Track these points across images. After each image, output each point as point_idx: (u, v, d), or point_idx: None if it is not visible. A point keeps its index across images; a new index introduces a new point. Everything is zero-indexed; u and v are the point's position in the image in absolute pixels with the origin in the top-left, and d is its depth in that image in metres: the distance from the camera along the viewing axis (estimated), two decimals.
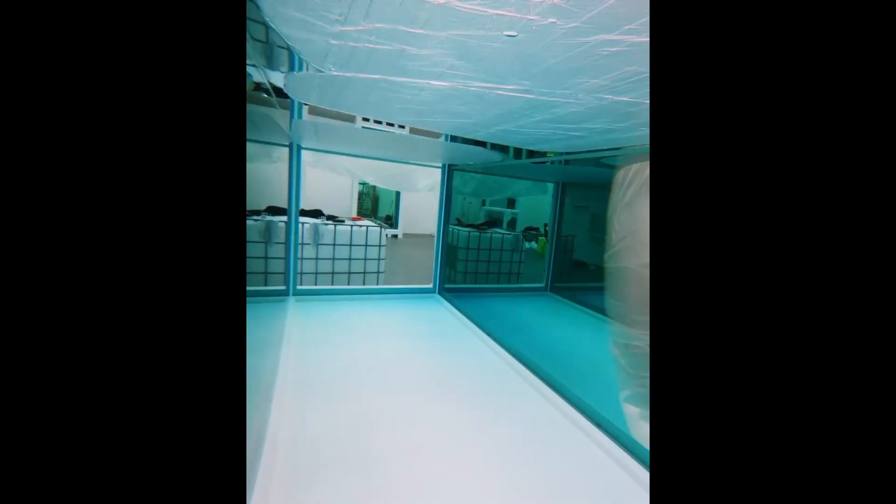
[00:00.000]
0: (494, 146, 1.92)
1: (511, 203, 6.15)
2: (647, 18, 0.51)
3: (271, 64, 1.36)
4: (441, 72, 0.76)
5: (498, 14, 0.54)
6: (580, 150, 1.49)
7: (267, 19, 0.60)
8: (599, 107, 0.88)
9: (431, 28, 0.59)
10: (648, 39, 0.56)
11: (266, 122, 1.36)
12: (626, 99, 0.81)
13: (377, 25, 0.60)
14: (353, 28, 0.61)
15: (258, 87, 1.37)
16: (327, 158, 3.33)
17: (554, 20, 0.54)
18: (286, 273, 2.19)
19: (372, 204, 9.03)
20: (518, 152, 2.15)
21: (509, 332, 1.97)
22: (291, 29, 0.63)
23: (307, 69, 0.84)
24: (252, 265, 2.71)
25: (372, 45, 0.67)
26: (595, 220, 3.16)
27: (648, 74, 0.68)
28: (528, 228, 4.74)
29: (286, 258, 2.19)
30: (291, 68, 1.03)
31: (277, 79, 1.45)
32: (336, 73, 0.83)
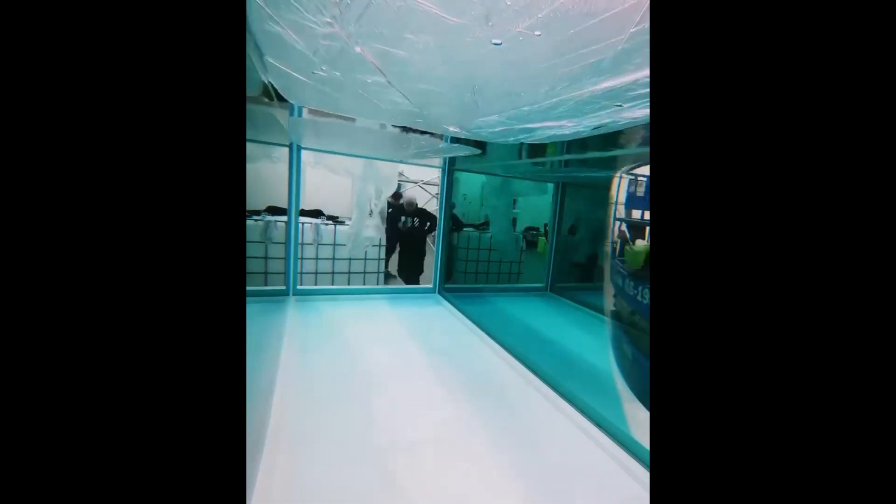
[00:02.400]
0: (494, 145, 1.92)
1: (511, 203, 6.14)
2: (633, 29, 0.51)
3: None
4: (423, 73, 0.77)
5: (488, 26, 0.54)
6: (577, 153, 1.49)
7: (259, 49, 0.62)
8: (585, 111, 0.89)
9: (420, 34, 0.60)
10: (632, 45, 0.56)
11: (266, 122, 1.36)
12: (611, 103, 0.82)
13: (354, 28, 0.61)
14: (342, 31, 0.62)
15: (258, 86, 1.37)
16: (327, 158, 3.32)
17: (539, 33, 0.55)
18: (286, 273, 2.18)
19: None
20: (519, 152, 2.15)
21: (510, 332, 1.97)
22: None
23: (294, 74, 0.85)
24: (252, 265, 2.71)
25: (360, 50, 0.67)
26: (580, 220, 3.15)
27: (634, 81, 0.69)
28: (529, 228, 4.74)
29: (286, 258, 2.19)
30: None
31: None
32: (324, 74, 0.83)
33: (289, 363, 1.41)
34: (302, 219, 2.71)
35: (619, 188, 1.36)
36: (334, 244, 2.99)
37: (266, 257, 2.75)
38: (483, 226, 3.68)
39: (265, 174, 3.07)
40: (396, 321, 1.99)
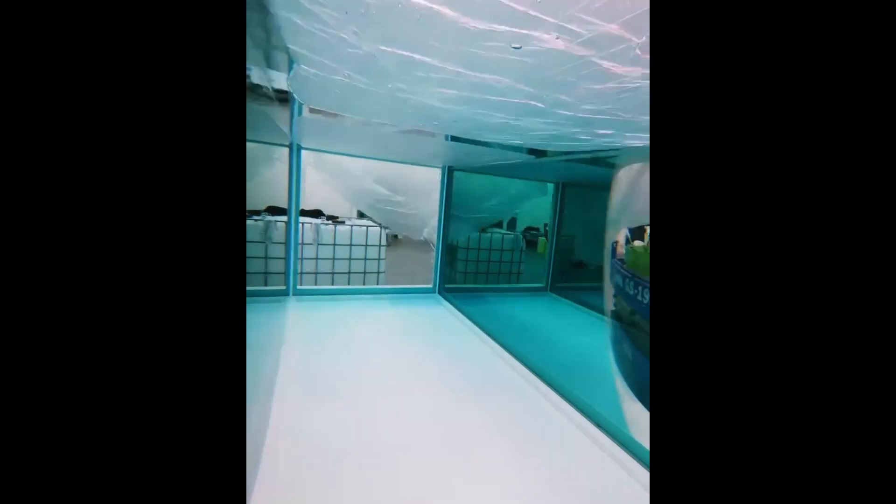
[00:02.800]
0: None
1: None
2: (647, 35, 0.52)
3: (271, 64, 1.36)
4: (445, 78, 0.77)
5: (508, 30, 0.55)
6: (584, 150, 1.49)
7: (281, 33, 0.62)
8: (601, 113, 0.89)
9: (443, 41, 0.60)
10: (647, 50, 0.57)
11: (266, 122, 1.37)
12: (624, 108, 0.82)
13: (384, 48, 0.61)
14: (367, 40, 0.62)
15: (258, 87, 1.37)
16: (327, 158, 3.32)
17: (557, 35, 0.55)
18: (286, 273, 2.19)
19: None
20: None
21: (509, 331, 1.97)
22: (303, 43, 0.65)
23: (311, 73, 0.85)
24: (252, 265, 2.71)
25: (381, 54, 0.68)
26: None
27: (646, 84, 0.69)
28: (529, 228, 4.74)
29: (286, 258, 2.19)
30: (290, 69, 1.04)
31: (277, 78, 1.45)
32: (342, 80, 0.83)
33: (289, 363, 1.41)
34: (302, 219, 2.71)
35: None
36: (334, 244, 2.98)
37: (266, 257, 2.75)
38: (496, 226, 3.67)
39: (265, 174, 3.06)
40: (396, 321, 1.99)
